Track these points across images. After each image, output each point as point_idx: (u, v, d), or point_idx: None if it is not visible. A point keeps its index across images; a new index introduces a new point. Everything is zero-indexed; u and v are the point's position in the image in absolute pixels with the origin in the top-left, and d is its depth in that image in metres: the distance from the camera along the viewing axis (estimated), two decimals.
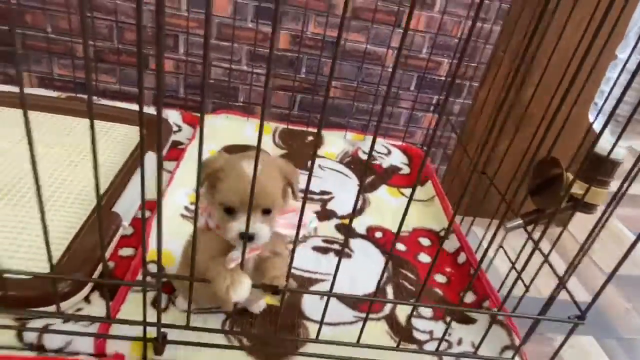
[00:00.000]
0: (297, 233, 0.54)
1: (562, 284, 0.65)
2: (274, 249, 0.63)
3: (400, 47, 0.43)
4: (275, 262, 0.61)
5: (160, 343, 0.61)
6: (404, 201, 1.14)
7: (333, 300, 0.79)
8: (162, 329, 0.62)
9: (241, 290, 0.54)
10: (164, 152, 1.10)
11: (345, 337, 0.64)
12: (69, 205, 0.83)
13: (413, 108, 1.39)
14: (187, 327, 0.61)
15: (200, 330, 0.62)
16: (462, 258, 0.94)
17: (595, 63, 0.65)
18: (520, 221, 0.77)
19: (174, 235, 0.70)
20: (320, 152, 1.26)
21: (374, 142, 0.49)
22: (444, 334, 0.65)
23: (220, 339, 0.66)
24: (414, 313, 0.79)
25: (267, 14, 1.24)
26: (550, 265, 0.69)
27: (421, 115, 1.43)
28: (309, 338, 0.68)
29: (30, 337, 0.60)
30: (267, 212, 0.57)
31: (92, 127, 0.41)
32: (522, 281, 0.74)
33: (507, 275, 0.76)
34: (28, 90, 1.20)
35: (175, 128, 1.22)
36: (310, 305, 0.77)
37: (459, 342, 0.75)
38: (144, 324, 0.58)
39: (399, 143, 1.36)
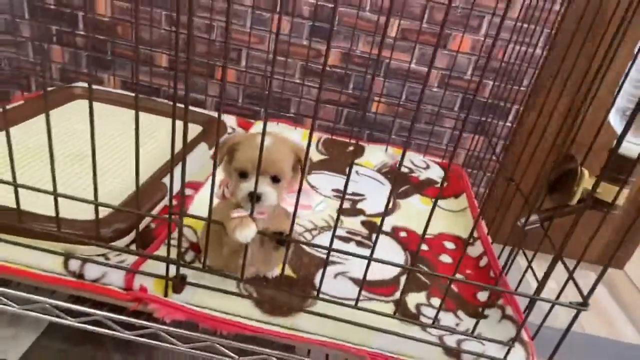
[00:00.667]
0: (297, 200, 0.61)
1: (571, 276, 0.65)
2: (280, 227, 0.69)
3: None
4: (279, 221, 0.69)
5: (179, 282, 0.68)
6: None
7: (345, 280, 0.83)
8: (182, 272, 0.70)
9: (247, 231, 0.61)
10: None
11: (350, 311, 0.68)
12: (125, 175, 0.96)
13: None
14: (203, 268, 0.68)
15: (215, 273, 0.69)
16: (483, 262, 0.94)
17: None
18: (536, 217, 0.77)
19: (205, 211, 0.80)
20: (359, 160, 1.32)
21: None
22: (444, 297, 0.67)
23: (233, 289, 0.72)
24: (426, 302, 0.81)
25: (320, 33, 1.36)
26: (575, 283, 0.67)
27: (465, 136, 1.46)
28: (310, 295, 0.72)
29: (74, 266, 0.71)
30: (276, 180, 0.65)
31: (137, 118, 0.51)
32: (533, 272, 0.75)
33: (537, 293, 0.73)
34: (111, 89, 1.40)
35: (229, 130, 1.35)
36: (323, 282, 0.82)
37: (466, 332, 0.75)
38: (167, 260, 0.67)
39: (439, 160, 1.38)
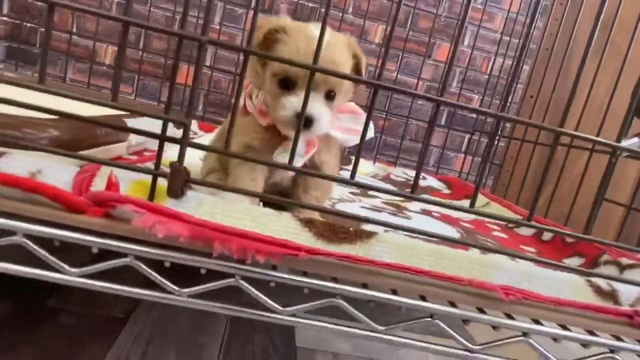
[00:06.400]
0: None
1: None
2: (320, 156, 0.52)
3: None
4: (316, 181, 0.53)
5: (181, 178, 0.39)
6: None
7: (400, 233, 0.58)
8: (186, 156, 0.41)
9: None
10: None
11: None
12: None
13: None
14: (225, 150, 0.40)
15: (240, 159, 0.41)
16: (546, 236, 0.75)
17: None
18: (637, 139, 0.62)
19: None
20: (348, 168, 1.12)
21: None
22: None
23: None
24: None
25: None
26: None
27: (452, 156, 1.34)
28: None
29: None
30: (330, 96, 0.47)
31: None
32: None
33: None
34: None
35: (192, 135, 1.10)
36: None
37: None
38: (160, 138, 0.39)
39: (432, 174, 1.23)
